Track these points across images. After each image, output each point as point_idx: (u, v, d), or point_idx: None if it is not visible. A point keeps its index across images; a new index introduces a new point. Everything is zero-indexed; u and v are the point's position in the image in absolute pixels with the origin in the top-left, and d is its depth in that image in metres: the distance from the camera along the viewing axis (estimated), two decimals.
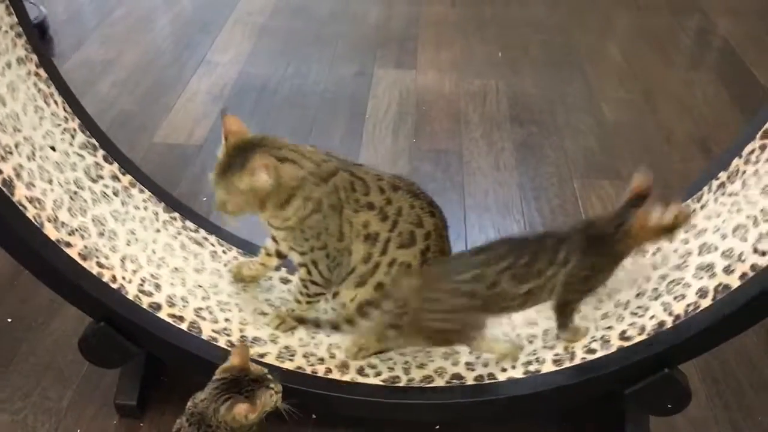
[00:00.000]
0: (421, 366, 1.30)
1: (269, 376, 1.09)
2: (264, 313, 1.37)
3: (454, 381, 1.26)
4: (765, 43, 2.75)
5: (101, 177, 1.40)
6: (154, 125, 2.23)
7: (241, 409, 1.03)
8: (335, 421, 1.34)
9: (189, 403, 1.10)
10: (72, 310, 1.29)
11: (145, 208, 1.44)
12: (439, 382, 1.26)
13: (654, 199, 1.16)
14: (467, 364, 1.29)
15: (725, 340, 1.16)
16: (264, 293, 1.43)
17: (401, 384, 1.27)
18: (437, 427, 1.33)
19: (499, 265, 1.15)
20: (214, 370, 1.09)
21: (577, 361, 1.21)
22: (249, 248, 1.53)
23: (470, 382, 1.26)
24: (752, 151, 1.30)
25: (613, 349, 1.19)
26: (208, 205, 1.89)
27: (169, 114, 2.29)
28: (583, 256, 1.16)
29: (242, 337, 1.30)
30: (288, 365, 1.27)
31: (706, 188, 1.38)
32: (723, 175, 1.34)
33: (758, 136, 1.30)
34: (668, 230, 1.14)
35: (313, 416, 1.35)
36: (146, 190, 1.48)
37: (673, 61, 2.71)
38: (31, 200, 1.19)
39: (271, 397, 1.06)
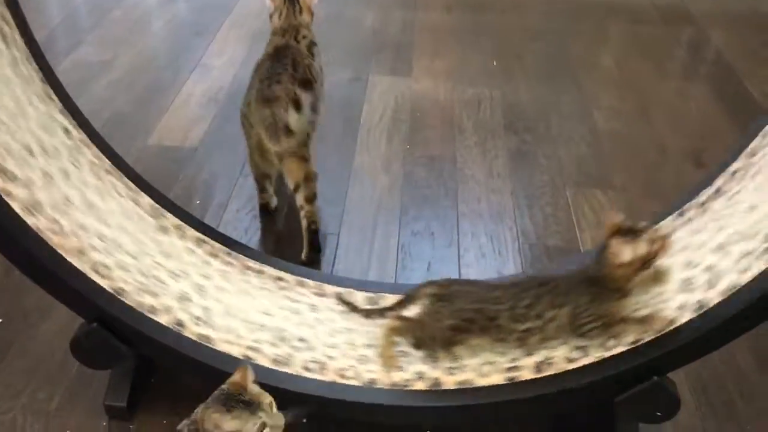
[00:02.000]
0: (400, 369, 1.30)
1: (267, 406, 1.02)
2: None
3: (434, 386, 1.26)
4: (758, 56, 2.78)
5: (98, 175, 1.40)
6: (149, 127, 2.23)
7: (212, 417, 0.97)
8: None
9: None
10: (64, 310, 1.28)
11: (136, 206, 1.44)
12: (420, 386, 1.26)
13: (621, 235, 1.16)
14: (449, 368, 1.29)
15: (714, 349, 1.17)
16: (264, 299, 1.43)
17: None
18: None
19: (503, 304, 1.22)
20: (206, 372, 1.08)
21: (567, 367, 1.22)
22: (244, 250, 1.54)
23: (451, 386, 1.25)
24: (736, 171, 1.32)
25: (604, 356, 1.19)
26: (203, 208, 1.90)
27: (164, 116, 2.29)
28: (578, 296, 1.20)
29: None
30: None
31: (692, 203, 1.39)
32: (707, 192, 1.36)
33: (742, 155, 1.33)
34: (647, 260, 1.16)
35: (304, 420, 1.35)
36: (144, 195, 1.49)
37: (667, 72, 2.73)
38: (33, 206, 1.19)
39: (253, 425, 0.98)
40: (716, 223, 1.30)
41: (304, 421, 1.27)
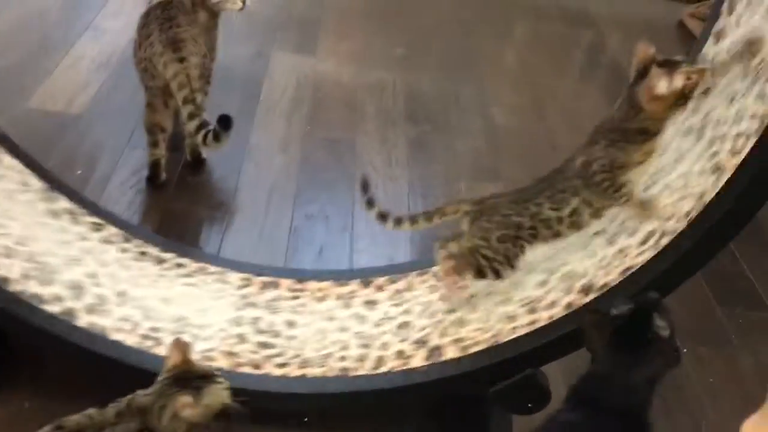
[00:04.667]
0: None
1: (217, 372, 1.04)
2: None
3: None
4: None
5: None
6: (30, 89, 2.08)
7: (182, 402, 0.97)
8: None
9: (127, 397, 1.03)
10: None
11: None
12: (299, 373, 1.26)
13: (661, 69, 1.10)
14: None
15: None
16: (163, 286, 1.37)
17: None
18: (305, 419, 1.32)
19: (538, 198, 1.23)
20: (99, 361, 1.02)
21: (441, 358, 1.23)
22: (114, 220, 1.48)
23: (330, 374, 1.25)
24: None
25: (477, 349, 1.22)
26: (83, 179, 1.80)
27: (48, 78, 2.15)
28: (607, 149, 1.17)
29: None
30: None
31: None
32: None
33: None
34: (682, 97, 1.10)
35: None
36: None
37: (565, 73, 2.81)
38: None
39: (224, 390, 1.01)
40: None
41: None
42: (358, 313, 1.40)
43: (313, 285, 1.47)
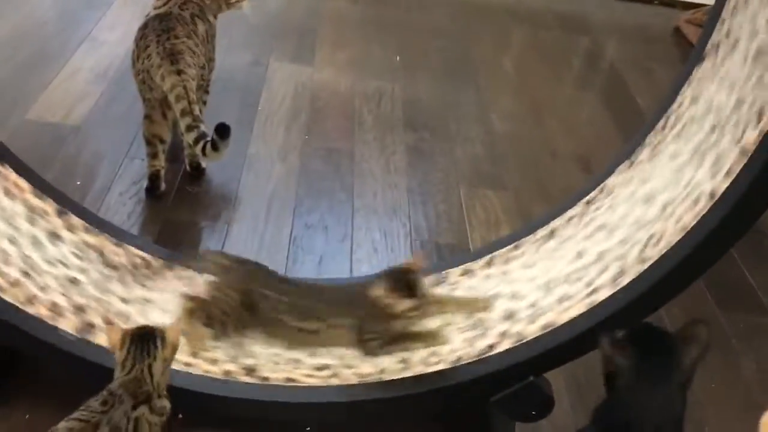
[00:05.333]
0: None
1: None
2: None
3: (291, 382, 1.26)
4: (646, 69, 2.91)
5: None
6: (29, 100, 2.08)
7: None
8: (203, 421, 1.30)
9: (105, 389, 1.06)
10: None
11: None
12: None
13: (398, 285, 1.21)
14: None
15: (587, 351, 1.21)
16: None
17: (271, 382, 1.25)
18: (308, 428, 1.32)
19: (287, 298, 1.27)
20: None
21: (441, 366, 1.23)
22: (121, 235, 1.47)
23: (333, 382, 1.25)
24: (572, 217, 1.44)
25: (480, 357, 1.21)
26: (83, 190, 1.79)
27: (45, 90, 2.15)
28: (358, 310, 1.25)
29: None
30: None
31: (528, 238, 1.47)
32: (542, 231, 1.46)
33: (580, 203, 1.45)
34: (395, 317, 1.22)
35: (179, 415, 1.30)
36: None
37: (562, 79, 2.82)
38: None
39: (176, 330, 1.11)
40: (546, 262, 1.38)
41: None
42: None
43: None
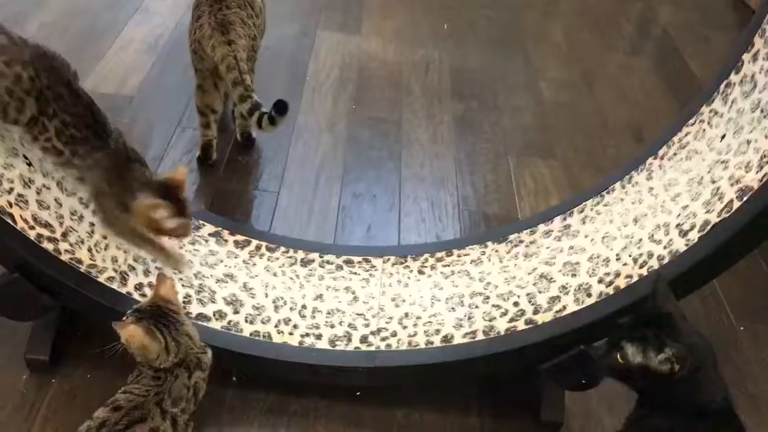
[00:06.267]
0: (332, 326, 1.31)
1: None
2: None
3: (362, 346, 1.28)
4: (701, 34, 2.82)
5: None
6: (83, 73, 2.10)
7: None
8: (256, 383, 1.33)
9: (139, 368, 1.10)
10: None
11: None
12: (351, 347, 1.28)
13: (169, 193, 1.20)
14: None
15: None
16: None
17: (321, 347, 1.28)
18: (357, 393, 1.34)
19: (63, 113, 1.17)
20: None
21: (494, 335, 1.23)
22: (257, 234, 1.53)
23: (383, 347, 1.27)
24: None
25: (531, 325, 1.21)
26: None
27: (100, 62, 2.19)
28: (105, 173, 1.19)
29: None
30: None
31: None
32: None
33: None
34: (159, 230, 1.21)
35: (233, 378, 1.34)
36: None
37: (614, 46, 2.76)
38: None
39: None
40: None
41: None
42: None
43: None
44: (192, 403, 1.09)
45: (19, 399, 1.26)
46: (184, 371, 1.08)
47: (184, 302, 1.27)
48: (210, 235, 1.47)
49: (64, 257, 1.22)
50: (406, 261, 1.48)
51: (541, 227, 1.46)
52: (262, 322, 1.30)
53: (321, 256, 1.48)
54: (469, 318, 1.29)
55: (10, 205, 1.17)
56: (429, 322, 1.31)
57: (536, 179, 1.97)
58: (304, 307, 1.35)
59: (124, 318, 1.07)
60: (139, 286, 1.27)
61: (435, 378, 1.33)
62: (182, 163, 1.85)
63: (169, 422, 1.05)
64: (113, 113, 1.96)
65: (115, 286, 1.25)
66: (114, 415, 1.02)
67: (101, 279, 1.24)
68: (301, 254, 1.48)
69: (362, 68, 2.37)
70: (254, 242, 1.48)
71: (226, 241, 1.47)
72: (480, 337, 1.25)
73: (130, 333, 1.04)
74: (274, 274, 1.41)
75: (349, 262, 1.48)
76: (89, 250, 1.26)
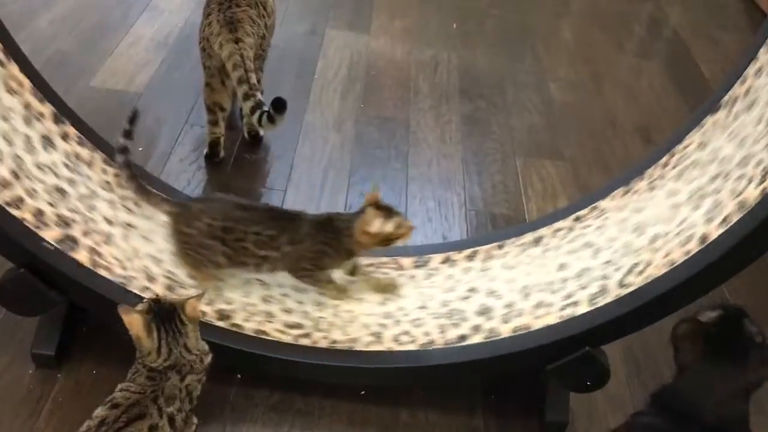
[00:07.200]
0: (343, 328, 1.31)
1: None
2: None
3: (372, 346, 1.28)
4: (712, 37, 2.81)
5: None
6: (93, 69, 2.14)
7: (191, 307, 1.10)
8: (259, 381, 1.33)
9: (136, 367, 1.10)
10: None
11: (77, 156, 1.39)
12: (362, 347, 1.28)
13: (380, 212, 1.26)
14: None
15: (645, 326, 1.19)
16: None
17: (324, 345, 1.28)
18: (362, 392, 1.34)
19: (250, 228, 1.27)
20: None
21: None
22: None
23: (395, 348, 1.27)
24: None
25: (538, 326, 1.21)
26: (145, 156, 1.84)
27: (109, 58, 2.20)
28: (314, 240, 1.28)
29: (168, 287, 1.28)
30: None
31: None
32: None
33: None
34: (387, 239, 1.27)
35: (238, 375, 1.34)
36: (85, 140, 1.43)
37: (624, 47, 2.74)
38: None
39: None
40: (527, 267, 1.40)
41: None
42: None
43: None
44: (187, 403, 1.10)
45: (25, 393, 1.27)
46: (175, 374, 1.09)
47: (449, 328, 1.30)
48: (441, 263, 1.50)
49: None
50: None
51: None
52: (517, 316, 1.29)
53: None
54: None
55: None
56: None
57: (544, 180, 1.96)
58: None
59: (139, 304, 1.10)
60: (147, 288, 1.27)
61: None
62: (190, 159, 1.85)
63: (166, 419, 1.05)
64: (122, 109, 1.98)
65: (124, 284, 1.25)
66: (112, 413, 1.03)
67: (110, 277, 1.24)
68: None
69: (370, 67, 2.36)
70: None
71: (455, 261, 1.49)
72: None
73: (130, 320, 1.06)
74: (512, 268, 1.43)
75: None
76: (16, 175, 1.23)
